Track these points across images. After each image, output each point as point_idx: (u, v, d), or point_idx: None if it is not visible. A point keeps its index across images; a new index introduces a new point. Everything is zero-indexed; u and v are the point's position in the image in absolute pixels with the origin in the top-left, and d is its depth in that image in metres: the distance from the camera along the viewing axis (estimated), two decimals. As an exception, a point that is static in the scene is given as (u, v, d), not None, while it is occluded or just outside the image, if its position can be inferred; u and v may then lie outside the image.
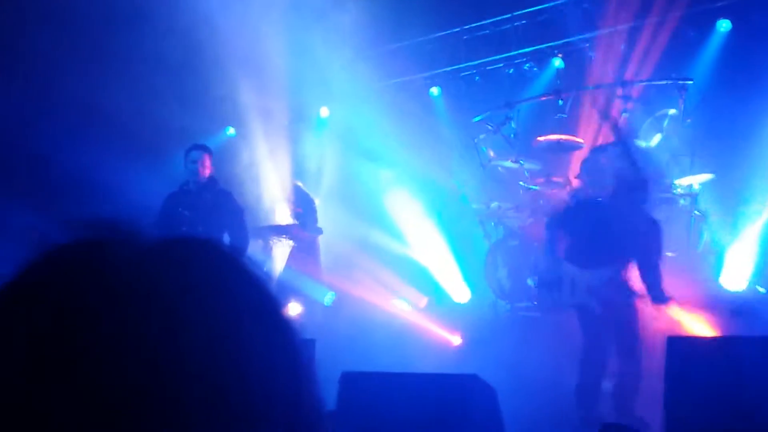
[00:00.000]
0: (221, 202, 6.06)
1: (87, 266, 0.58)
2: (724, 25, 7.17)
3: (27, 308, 0.56)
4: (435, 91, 9.01)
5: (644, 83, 7.11)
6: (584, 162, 5.26)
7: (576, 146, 6.91)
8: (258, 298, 0.63)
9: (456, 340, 6.20)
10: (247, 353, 0.58)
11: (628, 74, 7.25)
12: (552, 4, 8.10)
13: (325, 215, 8.25)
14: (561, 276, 4.71)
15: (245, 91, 8.17)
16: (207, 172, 6.08)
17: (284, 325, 0.63)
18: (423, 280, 7.71)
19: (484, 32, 8.72)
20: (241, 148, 8.55)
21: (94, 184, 7.12)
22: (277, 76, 8.09)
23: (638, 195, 4.69)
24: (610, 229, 4.62)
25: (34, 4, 7.06)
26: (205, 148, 6.23)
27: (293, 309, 7.68)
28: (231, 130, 9.35)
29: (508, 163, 7.01)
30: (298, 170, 8.43)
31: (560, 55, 8.14)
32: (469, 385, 3.74)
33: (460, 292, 7.27)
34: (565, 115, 7.15)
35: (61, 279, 0.57)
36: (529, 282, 6.35)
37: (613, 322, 4.64)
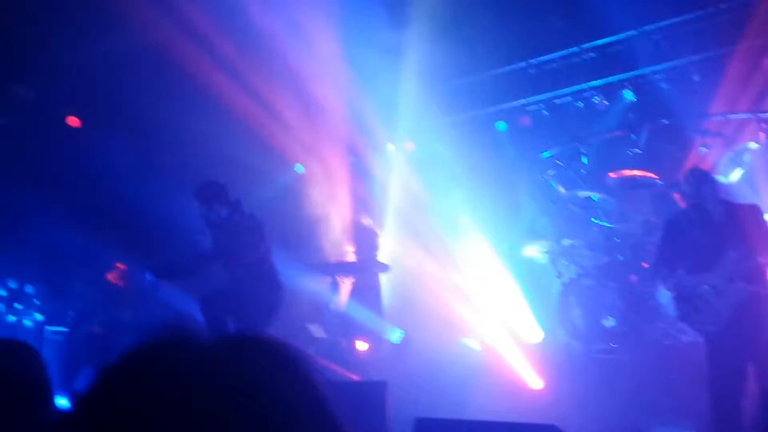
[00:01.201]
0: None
1: (154, 370, 0.62)
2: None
3: (108, 411, 0.60)
4: (501, 125, 8.93)
5: (722, 117, 6.87)
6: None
7: (650, 183, 6.70)
8: (314, 404, 0.64)
9: (536, 383, 6.03)
10: None
11: (705, 107, 7.02)
12: (621, 36, 7.96)
13: (391, 251, 8.24)
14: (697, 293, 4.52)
15: (312, 128, 8.30)
16: (221, 211, 5.65)
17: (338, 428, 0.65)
18: (492, 319, 7.56)
19: (551, 66, 8.63)
20: (308, 186, 8.66)
21: (168, 222, 7.33)
22: (345, 113, 8.20)
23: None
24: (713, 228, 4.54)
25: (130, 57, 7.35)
26: (199, 195, 5.73)
27: (360, 346, 7.66)
28: (300, 168, 9.48)
29: (580, 200, 6.85)
30: (364, 207, 8.47)
31: (631, 88, 7.97)
32: (549, 438, 3.61)
33: (531, 332, 7.09)
34: (640, 151, 6.96)
35: (133, 383, 0.62)
36: (605, 323, 6.14)
37: (749, 326, 4.37)
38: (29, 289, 8.05)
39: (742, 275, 4.43)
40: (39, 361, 1.26)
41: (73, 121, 8.75)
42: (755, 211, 4.79)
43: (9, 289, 8.00)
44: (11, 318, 7.84)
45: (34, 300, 8.05)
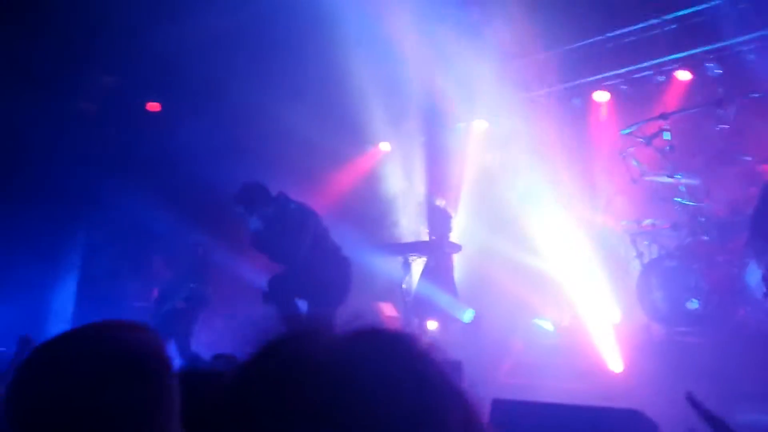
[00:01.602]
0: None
1: (295, 358, 0.64)
2: None
3: (253, 399, 0.62)
4: (578, 102, 8.67)
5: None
6: None
7: (740, 159, 6.37)
8: (435, 396, 0.64)
9: (614, 366, 5.88)
10: None
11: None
12: (705, 6, 7.55)
13: (464, 230, 8.19)
14: None
15: (387, 110, 8.29)
16: (264, 211, 5.74)
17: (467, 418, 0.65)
18: (566, 300, 7.42)
19: (630, 38, 8.29)
20: (384, 165, 8.69)
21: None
22: (420, 91, 8.15)
23: None
24: None
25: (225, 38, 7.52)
26: (241, 200, 5.80)
27: (431, 326, 7.68)
28: (378, 147, 9.49)
29: (663, 178, 6.58)
30: (438, 186, 8.43)
31: (716, 61, 7.57)
32: (632, 422, 3.52)
33: (609, 314, 6.90)
34: (727, 126, 6.61)
35: (276, 370, 0.64)
36: (689, 305, 5.92)
37: None
38: (115, 265, 8.45)
39: None
40: (160, 342, 1.30)
41: (153, 106, 9.06)
42: None
43: (98, 264, 8.42)
44: (99, 292, 8.26)
45: (120, 277, 8.46)
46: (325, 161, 8.79)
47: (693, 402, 3.50)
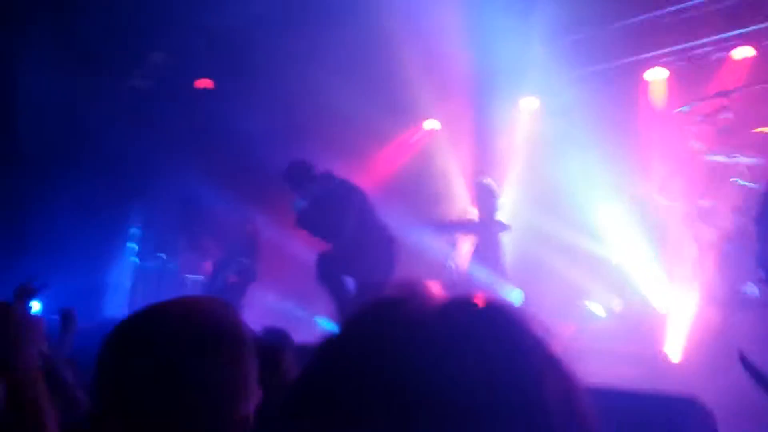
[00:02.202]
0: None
1: (396, 321, 0.65)
2: None
3: (357, 357, 0.64)
4: (633, 79, 8.42)
5: None
6: None
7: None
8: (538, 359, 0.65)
9: (667, 353, 5.77)
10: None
11: None
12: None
13: (514, 210, 8.10)
14: None
15: (438, 86, 8.21)
16: (312, 188, 5.83)
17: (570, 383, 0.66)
18: (618, 284, 7.29)
19: (689, 14, 7.98)
20: (432, 144, 8.64)
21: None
22: (470, 69, 8.04)
23: None
24: None
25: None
26: (289, 179, 5.91)
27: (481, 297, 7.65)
28: (432, 123, 9.43)
29: (722, 158, 6.37)
30: (487, 165, 8.35)
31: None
32: (686, 410, 3.46)
33: (662, 299, 6.76)
34: (791, 104, 6.34)
35: (381, 331, 0.64)
36: (747, 290, 5.75)
37: None
38: (169, 239, 8.68)
39: None
40: (237, 315, 1.36)
41: (205, 83, 9.18)
42: None
43: (152, 238, 8.66)
44: (154, 265, 8.50)
45: (174, 250, 8.68)
46: (373, 139, 8.79)
47: (745, 363, 3.41)
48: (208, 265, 7.94)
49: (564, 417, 0.61)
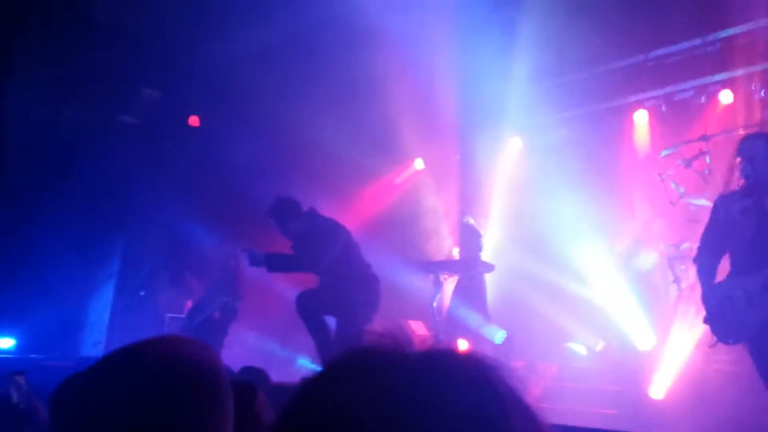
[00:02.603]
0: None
1: (376, 369, 0.66)
2: None
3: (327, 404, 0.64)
4: (617, 122, 8.54)
5: None
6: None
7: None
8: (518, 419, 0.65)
9: (648, 393, 5.71)
10: None
11: None
12: (749, 27, 7.39)
13: (497, 250, 8.10)
14: (729, 296, 3.76)
15: (422, 127, 8.31)
16: (296, 225, 5.77)
17: None
18: (600, 324, 7.26)
19: (672, 59, 8.15)
20: (417, 183, 8.69)
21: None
22: (454, 110, 8.15)
23: None
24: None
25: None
26: (273, 215, 5.82)
27: (461, 345, 7.59)
28: (417, 163, 9.51)
29: (703, 201, 6.42)
30: (470, 204, 8.38)
31: (760, 83, 7.39)
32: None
33: (644, 339, 6.74)
34: (770, 149, 6.41)
35: (360, 378, 0.66)
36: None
37: None
38: (152, 275, 8.62)
39: None
40: (216, 355, 1.31)
41: (193, 120, 9.26)
42: None
43: (135, 274, 8.60)
44: (134, 301, 8.42)
45: (155, 287, 8.61)
46: (360, 177, 8.85)
47: None
48: (189, 304, 7.87)
49: None
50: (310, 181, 7.93)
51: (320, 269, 5.74)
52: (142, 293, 8.39)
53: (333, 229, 5.89)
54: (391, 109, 8.12)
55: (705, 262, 4.01)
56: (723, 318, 3.85)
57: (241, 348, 7.72)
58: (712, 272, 4.00)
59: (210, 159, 8.42)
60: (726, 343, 3.90)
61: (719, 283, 3.94)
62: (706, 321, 3.98)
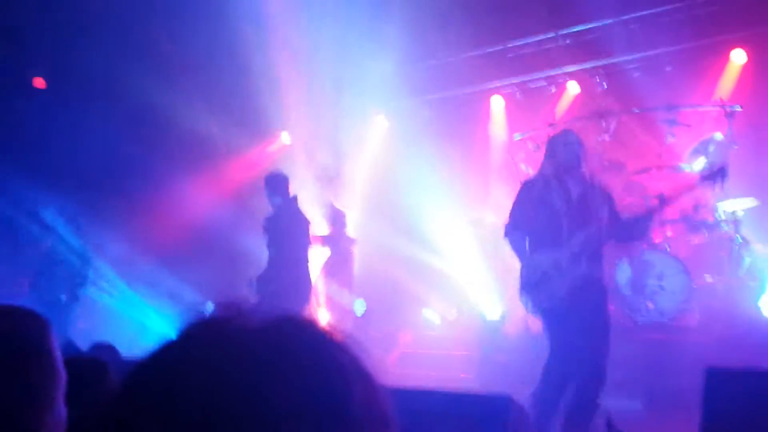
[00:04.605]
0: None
1: (214, 342, 0.67)
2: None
3: (169, 380, 0.64)
4: (476, 107, 8.98)
5: (691, 108, 6.99)
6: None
7: (618, 167, 6.82)
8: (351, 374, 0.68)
9: (495, 356, 6.13)
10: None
11: (675, 98, 7.11)
12: (598, 24, 8.02)
13: (360, 224, 8.28)
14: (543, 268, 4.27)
15: (288, 100, 8.26)
16: (275, 199, 6.09)
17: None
18: (455, 294, 7.67)
19: (528, 50, 8.66)
20: (283, 158, 8.64)
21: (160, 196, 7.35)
22: (324, 85, 8.18)
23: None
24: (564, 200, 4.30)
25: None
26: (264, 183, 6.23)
27: (322, 317, 7.72)
28: (283, 137, 9.43)
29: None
30: (337, 180, 8.48)
31: (604, 75, 8.06)
32: (503, 407, 3.69)
33: (492, 308, 7.18)
34: (609, 137, 7.06)
35: (197, 352, 0.66)
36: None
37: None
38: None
39: (586, 257, 4.23)
40: (44, 328, 1.25)
41: (38, 82, 8.60)
42: (609, 195, 4.55)
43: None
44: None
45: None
46: (222, 153, 8.67)
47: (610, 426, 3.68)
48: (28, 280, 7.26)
49: (371, 423, 0.65)
50: (172, 158, 7.70)
51: (287, 251, 5.95)
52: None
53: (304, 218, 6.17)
54: (258, 83, 8.00)
55: (517, 236, 4.49)
56: (536, 288, 4.32)
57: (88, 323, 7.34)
58: (524, 246, 4.46)
59: (59, 129, 7.84)
60: (540, 309, 4.39)
61: (533, 256, 4.40)
62: (521, 290, 4.40)
